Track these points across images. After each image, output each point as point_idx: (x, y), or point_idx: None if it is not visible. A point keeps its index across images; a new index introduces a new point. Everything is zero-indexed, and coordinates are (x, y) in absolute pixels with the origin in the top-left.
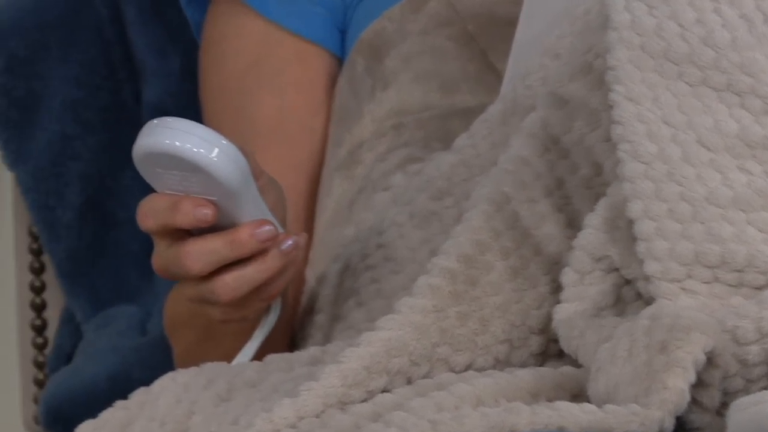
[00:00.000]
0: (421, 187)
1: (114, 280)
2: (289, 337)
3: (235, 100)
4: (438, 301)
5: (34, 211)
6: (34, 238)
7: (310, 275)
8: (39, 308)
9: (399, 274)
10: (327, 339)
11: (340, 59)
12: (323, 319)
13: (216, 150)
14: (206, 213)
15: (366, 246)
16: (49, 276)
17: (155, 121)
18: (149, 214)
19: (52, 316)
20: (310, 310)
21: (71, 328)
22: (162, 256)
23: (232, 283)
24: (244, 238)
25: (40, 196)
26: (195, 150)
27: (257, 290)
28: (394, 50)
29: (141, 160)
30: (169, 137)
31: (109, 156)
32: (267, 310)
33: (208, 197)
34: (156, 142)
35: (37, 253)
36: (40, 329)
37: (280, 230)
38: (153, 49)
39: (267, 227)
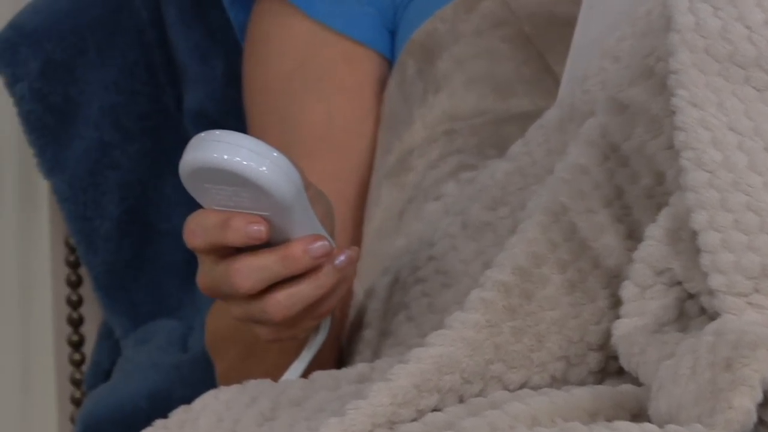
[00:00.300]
0: (474, 197)
1: (154, 294)
2: (337, 353)
3: (279, 105)
4: (491, 316)
5: (71, 221)
6: (71, 250)
7: (358, 288)
8: (76, 323)
9: (451, 288)
10: (375, 355)
11: (389, 61)
12: (372, 335)
13: (268, 163)
14: (259, 230)
15: (416, 258)
16: (87, 290)
17: (203, 134)
18: (197, 232)
19: (90, 331)
20: (359, 325)
21: (109, 344)
22: (209, 274)
23: (284, 301)
24: (297, 254)
25: (77, 206)
26: (246, 164)
27: (309, 308)
28: (447, 52)
29: (188, 176)
30: (218, 151)
31: (149, 164)
32: (316, 327)
33: (259, 212)
34: (205, 156)
35: (74, 265)
36: (77, 345)
37: (333, 245)
38: (195, 52)
39: (321, 242)
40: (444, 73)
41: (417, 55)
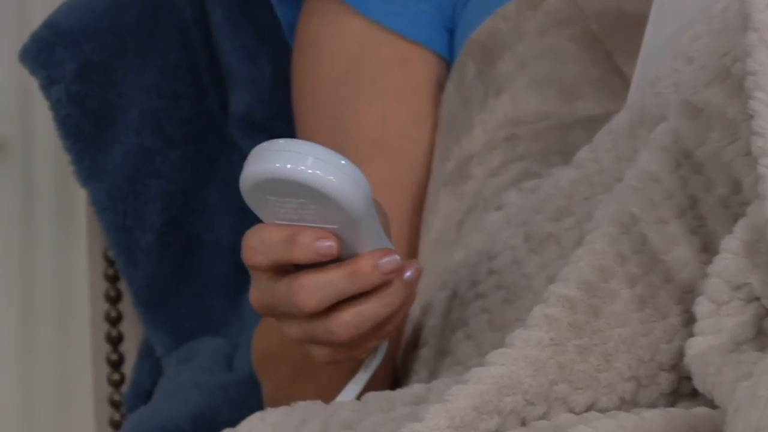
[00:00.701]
0: (537, 206)
1: (198, 310)
2: (391, 373)
3: (331, 108)
4: (556, 334)
5: (109, 233)
6: (110, 263)
7: (414, 304)
8: (115, 341)
9: (512, 304)
10: (432, 375)
11: (447, 62)
12: (428, 354)
13: (338, 172)
14: (329, 245)
15: (476, 272)
16: (126, 305)
17: (265, 144)
18: (259, 249)
19: (130, 349)
20: (415, 344)
21: (150, 362)
22: (266, 292)
23: (351, 320)
24: (366, 269)
25: (116, 216)
26: (314, 173)
27: (374, 327)
28: (509, 52)
29: (251, 189)
30: (283, 161)
31: (193, 172)
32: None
33: (326, 225)
34: (269, 167)
35: (113, 279)
36: (116, 364)
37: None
38: (242, 52)
39: (391, 257)
40: (506, 75)
41: (477, 55)
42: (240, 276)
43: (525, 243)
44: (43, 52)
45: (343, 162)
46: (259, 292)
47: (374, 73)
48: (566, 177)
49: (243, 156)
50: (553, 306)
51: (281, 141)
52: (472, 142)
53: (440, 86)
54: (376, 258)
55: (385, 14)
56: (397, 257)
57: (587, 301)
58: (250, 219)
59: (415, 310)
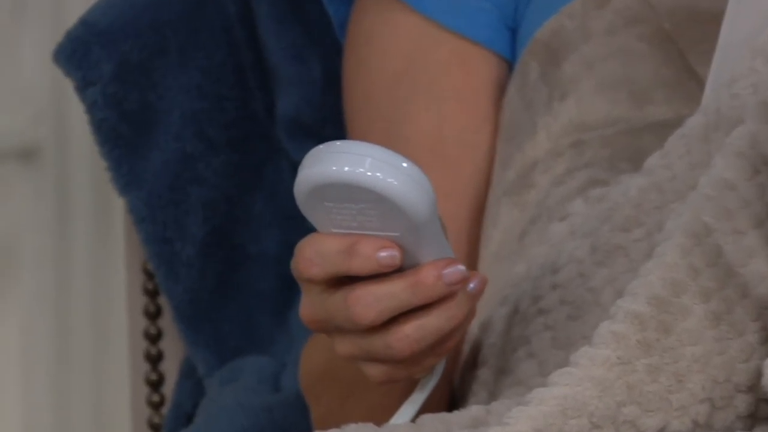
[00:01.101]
0: (604, 216)
1: (242, 326)
2: (448, 394)
3: (384, 112)
4: (624, 352)
5: (148, 244)
6: (149, 276)
7: (473, 321)
8: (154, 360)
9: (578, 320)
10: (492, 396)
11: (509, 63)
12: (488, 373)
13: (401, 175)
14: (392, 255)
15: (539, 286)
16: (167, 322)
17: (322, 146)
18: (316, 260)
19: (170, 368)
20: (473, 363)
21: (192, 383)
22: (319, 305)
23: (413, 334)
24: (429, 280)
25: (155, 226)
26: (377, 176)
27: (435, 343)
28: (575, 53)
29: (307, 195)
30: (344, 164)
31: (237, 179)
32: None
33: (387, 233)
34: (327, 170)
35: (152, 294)
36: (155, 384)
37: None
38: (289, 52)
39: (455, 267)
40: (572, 77)
41: (541, 56)
42: (287, 290)
43: (591, 255)
44: (78, 52)
45: (405, 164)
46: (311, 306)
47: (431, 75)
48: (635, 185)
49: (290, 161)
50: (620, 322)
51: (339, 143)
52: (536, 149)
53: (501, 89)
54: (439, 268)
55: (443, 12)
56: (461, 267)
57: (658, 317)
58: (298, 229)
59: (473, 327)
